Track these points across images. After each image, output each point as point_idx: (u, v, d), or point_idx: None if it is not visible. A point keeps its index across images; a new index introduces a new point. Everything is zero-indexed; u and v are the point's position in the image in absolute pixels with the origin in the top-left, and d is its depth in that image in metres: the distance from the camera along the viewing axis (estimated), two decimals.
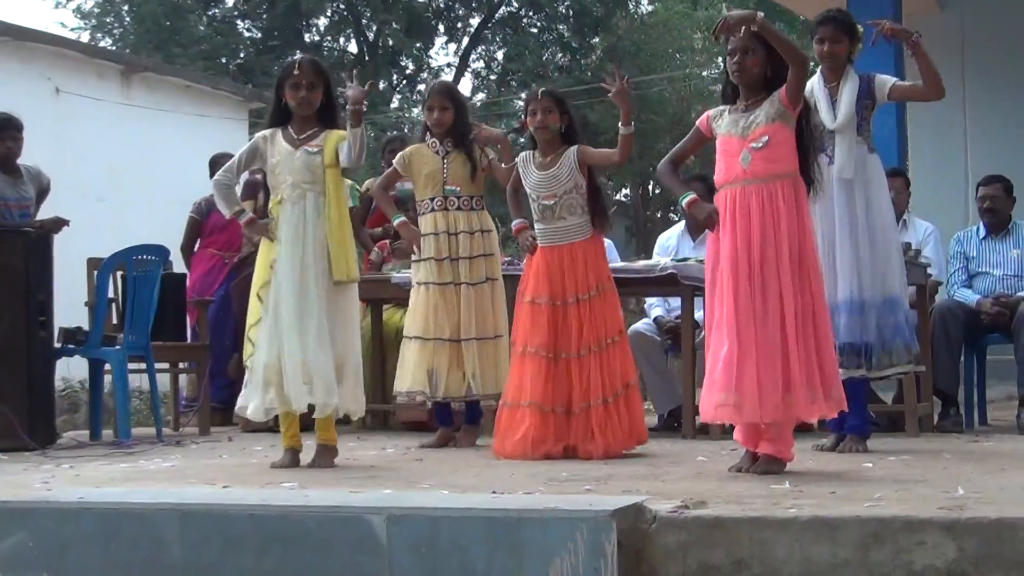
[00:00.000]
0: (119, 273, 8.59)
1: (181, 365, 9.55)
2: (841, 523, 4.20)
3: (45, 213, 8.85)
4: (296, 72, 6.45)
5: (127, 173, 17.25)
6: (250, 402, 6.45)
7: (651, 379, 8.78)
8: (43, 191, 8.70)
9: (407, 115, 32.30)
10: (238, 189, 7.05)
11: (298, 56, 6.68)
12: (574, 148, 6.96)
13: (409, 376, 7.39)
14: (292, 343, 6.32)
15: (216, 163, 9.80)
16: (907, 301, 6.88)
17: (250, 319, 6.52)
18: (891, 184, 8.62)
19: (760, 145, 5.73)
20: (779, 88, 5.77)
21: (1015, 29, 12.21)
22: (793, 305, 5.63)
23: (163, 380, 9.36)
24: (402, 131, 25.09)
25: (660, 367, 8.86)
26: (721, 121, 5.89)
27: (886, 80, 6.93)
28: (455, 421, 7.66)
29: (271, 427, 7.79)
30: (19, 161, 8.61)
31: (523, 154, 7.13)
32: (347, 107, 6.42)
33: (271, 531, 4.60)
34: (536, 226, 7.00)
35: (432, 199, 7.48)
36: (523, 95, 30.89)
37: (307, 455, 6.51)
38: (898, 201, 8.76)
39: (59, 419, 11.48)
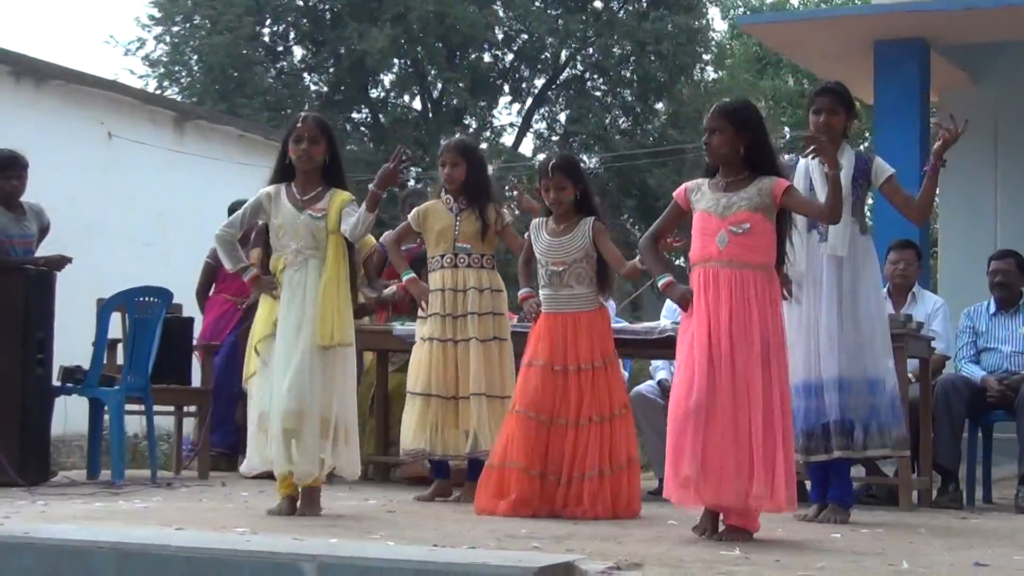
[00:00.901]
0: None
1: (187, 409, 9.57)
2: None
3: (63, 251, 8.87)
4: (299, 125, 6.47)
5: (175, 219, 17.40)
6: (249, 455, 6.51)
7: (652, 443, 8.71)
8: (44, 228, 8.76)
9: None
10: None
11: (303, 112, 6.69)
12: (590, 221, 6.91)
13: (411, 434, 7.40)
14: (276, 403, 6.33)
15: (235, 210, 9.89)
16: (893, 383, 6.76)
17: (247, 371, 6.55)
18: (902, 256, 8.63)
19: (740, 231, 5.72)
20: (767, 175, 5.76)
21: None
22: (760, 393, 5.61)
23: (169, 423, 9.42)
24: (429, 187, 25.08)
25: (662, 431, 8.71)
26: (700, 196, 5.87)
27: (885, 169, 6.81)
28: (454, 476, 7.61)
29: (272, 475, 7.80)
30: (22, 199, 8.66)
31: (536, 220, 7.11)
32: (371, 185, 6.42)
33: (205, 574, 4.61)
34: (542, 292, 6.97)
35: (443, 256, 7.49)
36: (584, 158, 31.19)
37: None
38: (908, 273, 8.71)
39: (71, 459, 11.62)
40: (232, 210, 9.84)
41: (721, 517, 5.70)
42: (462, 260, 7.47)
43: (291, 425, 6.31)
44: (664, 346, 7.87)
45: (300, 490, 6.45)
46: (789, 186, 5.83)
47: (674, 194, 6.02)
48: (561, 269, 6.86)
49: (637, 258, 6.54)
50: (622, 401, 6.87)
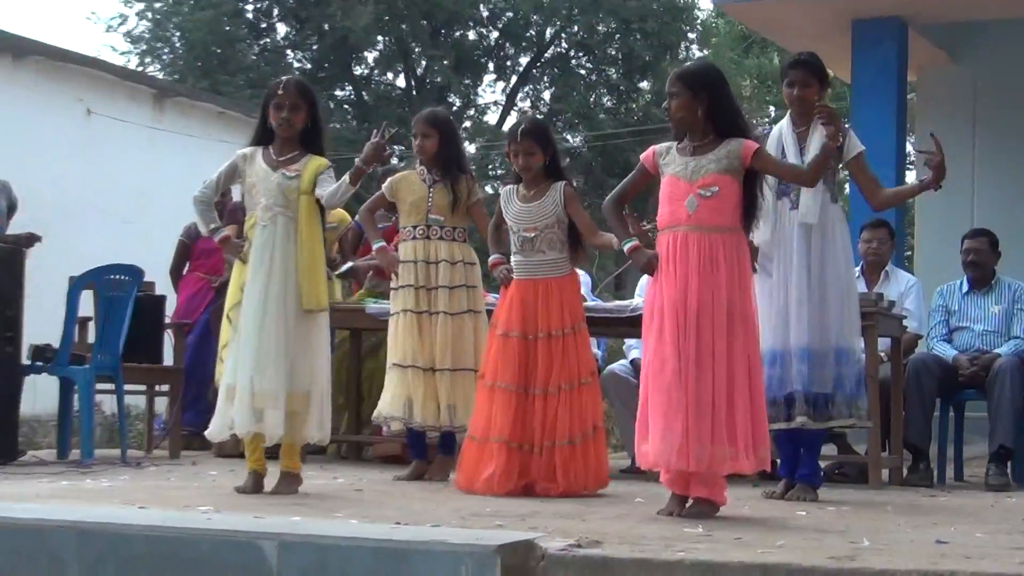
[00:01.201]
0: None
1: (159, 388, 9.55)
2: (725, 568, 4.17)
3: (43, 229, 8.84)
4: (280, 92, 6.42)
5: (156, 197, 17.35)
6: (215, 420, 6.46)
7: (625, 422, 8.68)
8: (12, 205, 8.72)
9: None
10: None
11: (284, 77, 6.62)
12: (561, 186, 6.90)
13: (387, 402, 7.37)
14: (245, 368, 6.31)
15: None
16: (860, 354, 6.76)
17: (222, 340, 6.52)
18: (875, 235, 8.63)
19: (709, 194, 5.70)
20: (735, 137, 5.76)
21: None
22: (726, 357, 5.62)
23: (143, 402, 9.40)
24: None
25: (635, 410, 8.76)
26: (669, 160, 5.85)
27: (856, 145, 6.76)
28: (429, 454, 7.61)
29: (243, 454, 7.78)
30: None
31: (506, 187, 7.09)
32: (358, 160, 6.38)
33: (165, 552, 4.62)
34: (514, 258, 6.96)
35: (415, 227, 7.46)
36: (567, 136, 31.15)
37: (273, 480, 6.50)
38: (881, 251, 8.72)
39: (47, 439, 11.59)
40: None
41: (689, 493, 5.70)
42: (434, 232, 7.43)
43: (262, 403, 6.27)
44: (637, 324, 7.82)
45: (279, 471, 6.42)
46: (758, 148, 5.82)
47: (641, 157, 6.00)
48: (533, 235, 6.84)
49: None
50: (589, 368, 6.87)
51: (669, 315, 5.65)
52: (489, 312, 7.48)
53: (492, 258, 7.12)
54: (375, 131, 6.54)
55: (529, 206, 6.88)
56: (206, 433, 6.55)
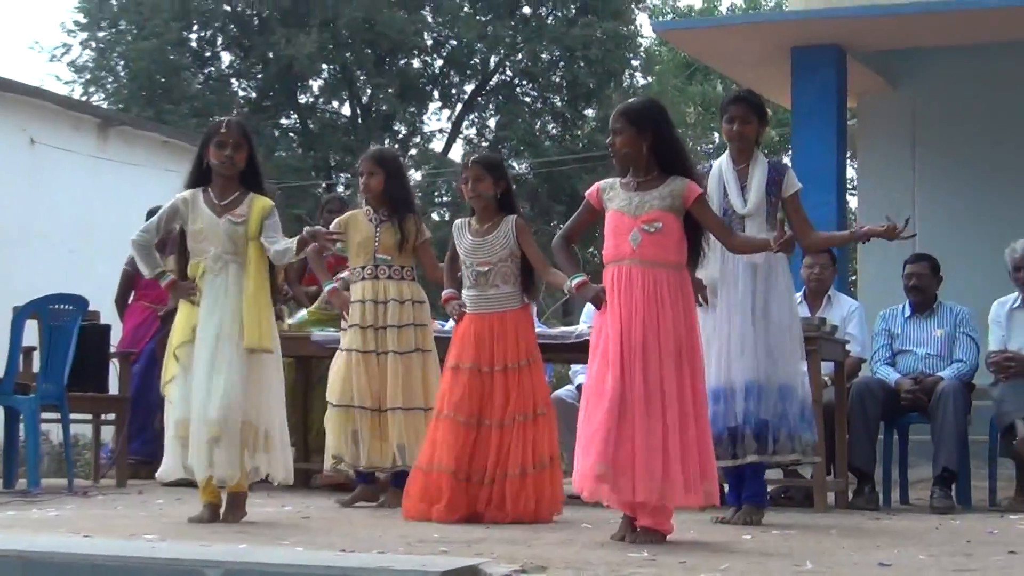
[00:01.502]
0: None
1: (105, 417, 9.51)
2: None
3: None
4: (224, 131, 6.43)
5: (100, 226, 17.25)
6: (165, 460, 6.43)
7: (572, 447, 8.70)
8: None
9: None
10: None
11: (225, 117, 6.60)
12: (512, 219, 6.90)
13: (334, 442, 7.37)
14: (198, 408, 6.29)
15: (152, 215, 9.82)
16: (804, 390, 6.79)
17: (165, 376, 6.50)
18: (817, 260, 8.71)
19: (652, 230, 5.75)
20: (677, 175, 5.82)
21: (965, 108, 12.29)
22: (675, 391, 5.66)
23: (87, 431, 9.34)
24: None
25: None
26: (613, 195, 5.90)
27: (794, 184, 6.80)
28: (377, 481, 7.60)
29: (191, 481, 7.76)
30: None
31: (459, 221, 7.10)
32: (301, 235, 6.35)
33: None
34: (467, 293, 6.95)
35: (363, 267, 7.46)
36: (513, 164, 31.20)
37: None
38: (823, 278, 8.79)
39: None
40: (149, 216, 9.80)
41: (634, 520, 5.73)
42: (382, 272, 7.43)
43: (215, 432, 6.25)
44: (583, 350, 7.83)
45: (225, 496, 6.41)
46: (700, 195, 5.86)
47: (586, 193, 6.03)
48: (486, 269, 6.84)
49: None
50: (545, 400, 6.88)
51: (615, 346, 5.68)
52: (441, 340, 7.49)
53: (445, 293, 7.11)
54: (319, 234, 6.46)
55: (482, 240, 6.88)
56: (156, 475, 6.53)
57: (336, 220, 7.66)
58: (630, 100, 5.97)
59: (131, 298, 10.08)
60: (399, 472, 7.42)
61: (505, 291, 6.86)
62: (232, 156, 6.42)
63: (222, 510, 6.42)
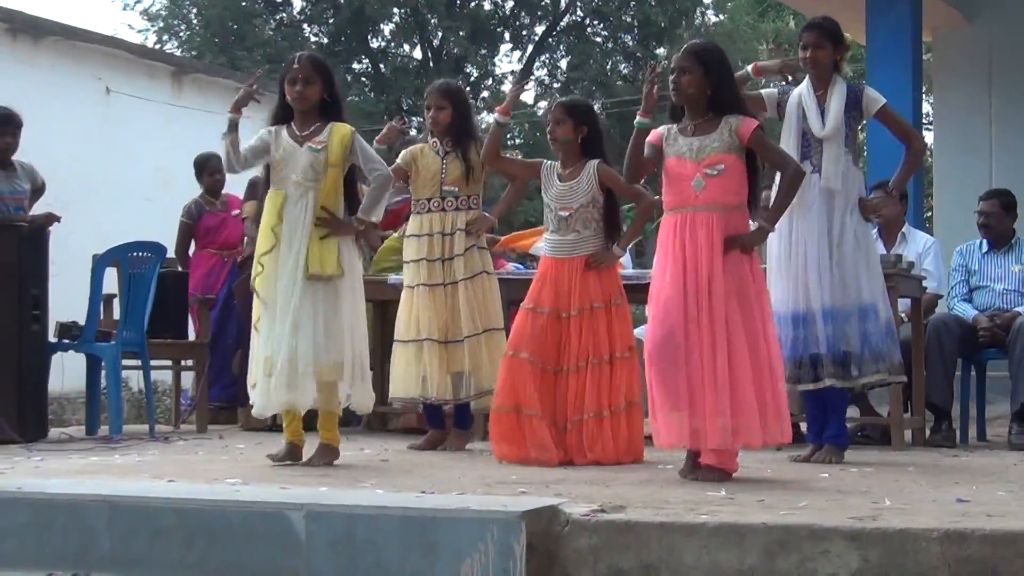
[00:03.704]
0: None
1: (184, 363, 9.61)
2: (748, 530, 4.20)
3: (64, 208, 8.92)
4: (296, 66, 6.48)
5: (176, 174, 17.34)
6: (258, 399, 6.46)
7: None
8: (37, 189, 8.76)
9: None
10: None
11: (299, 52, 6.69)
12: (595, 163, 6.86)
13: (401, 383, 7.42)
14: (280, 340, 6.34)
15: (202, 163, 9.91)
16: (886, 310, 6.77)
17: (253, 314, 6.55)
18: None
19: (715, 173, 5.74)
20: (732, 114, 5.80)
21: None
22: (742, 333, 5.65)
23: (170, 377, 9.44)
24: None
25: None
26: (673, 143, 5.89)
27: (877, 99, 6.83)
28: (447, 424, 7.65)
29: (271, 427, 7.85)
30: (14, 157, 8.67)
31: (547, 163, 7.09)
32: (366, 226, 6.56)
33: (195, 524, 4.68)
34: (548, 236, 6.96)
35: (429, 199, 7.48)
36: None
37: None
38: (895, 214, 8.70)
39: (77, 416, 11.65)
40: (199, 163, 9.92)
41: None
42: (449, 204, 7.46)
43: (297, 359, 6.30)
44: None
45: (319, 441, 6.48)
46: (757, 127, 5.85)
47: (648, 139, 5.99)
48: (567, 215, 6.82)
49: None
50: (626, 343, 6.81)
51: (677, 289, 5.68)
52: (513, 281, 7.50)
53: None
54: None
55: (566, 185, 6.87)
56: (253, 412, 6.53)
57: (404, 151, 7.67)
58: (696, 41, 5.96)
59: (191, 248, 10.15)
60: (462, 411, 7.50)
61: (585, 236, 6.83)
62: (303, 91, 6.46)
63: (304, 451, 6.48)
